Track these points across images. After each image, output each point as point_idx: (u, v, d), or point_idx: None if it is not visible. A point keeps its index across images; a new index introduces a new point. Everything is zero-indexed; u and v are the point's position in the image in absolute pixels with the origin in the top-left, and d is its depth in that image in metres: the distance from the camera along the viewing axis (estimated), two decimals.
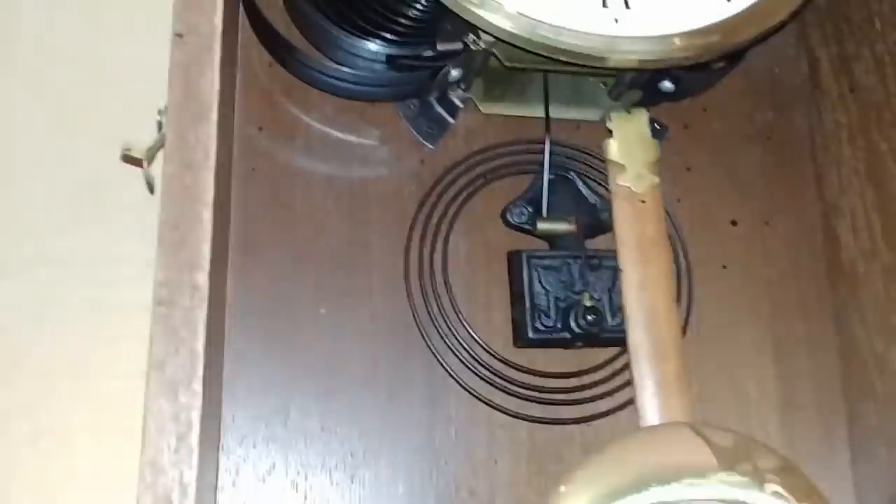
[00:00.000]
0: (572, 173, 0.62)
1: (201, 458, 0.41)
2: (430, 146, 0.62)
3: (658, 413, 0.55)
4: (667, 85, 0.61)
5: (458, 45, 0.56)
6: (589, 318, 0.57)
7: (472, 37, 0.55)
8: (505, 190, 0.62)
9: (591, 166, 0.62)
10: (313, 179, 0.60)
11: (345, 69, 0.57)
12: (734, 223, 0.65)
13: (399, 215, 0.60)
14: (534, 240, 0.60)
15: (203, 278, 0.40)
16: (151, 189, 0.49)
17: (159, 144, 0.45)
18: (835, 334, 0.63)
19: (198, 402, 0.39)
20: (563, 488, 0.49)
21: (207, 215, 0.41)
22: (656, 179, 0.59)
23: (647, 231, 0.58)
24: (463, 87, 0.61)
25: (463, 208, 0.61)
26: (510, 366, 0.58)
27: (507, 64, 0.57)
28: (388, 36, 0.58)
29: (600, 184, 0.62)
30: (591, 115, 0.63)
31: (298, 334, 0.57)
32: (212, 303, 0.41)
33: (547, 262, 0.59)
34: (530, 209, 0.61)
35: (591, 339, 0.57)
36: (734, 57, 0.62)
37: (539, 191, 0.61)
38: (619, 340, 0.58)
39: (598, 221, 0.61)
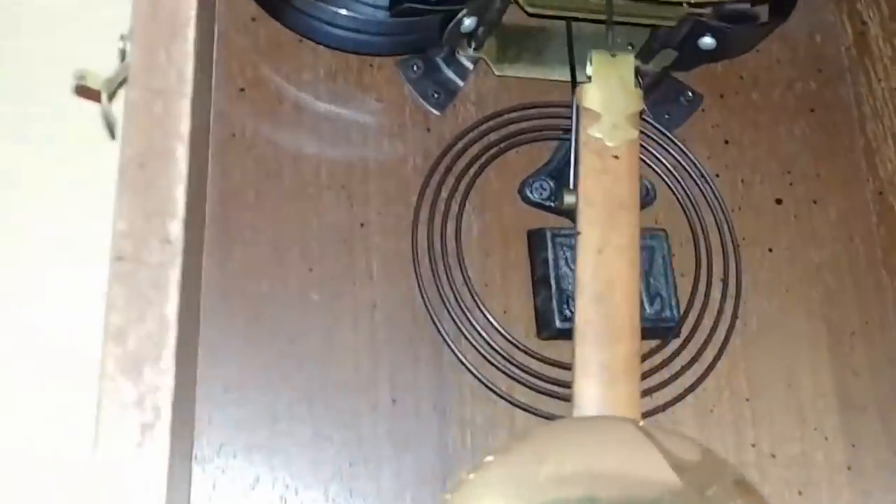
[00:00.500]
0: None
1: (170, 465, 0.33)
2: (437, 112, 0.55)
3: (597, 402, 0.46)
4: (707, 41, 0.54)
5: None
6: None
7: None
8: (522, 161, 0.55)
9: None
10: (303, 149, 0.53)
11: (342, 12, 0.49)
12: (779, 202, 0.58)
13: (402, 190, 0.53)
14: (554, 217, 0.53)
15: (177, 227, 0.32)
16: (112, 131, 0.41)
17: (122, 76, 0.37)
18: None
19: (169, 381, 0.30)
20: (470, 476, 0.41)
21: (182, 151, 0.33)
22: (635, 134, 0.51)
23: (616, 191, 0.50)
24: (474, 44, 0.54)
25: (475, 182, 0.53)
26: (535, 357, 0.50)
27: (529, 10, 0.51)
28: None
29: None
30: None
31: (286, 324, 0.49)
32: (187, 262, 0.33)
33: (574, 240, 0.51)
34: (552, 183, 0.54)
35: None
36: (782, 8, 0.55)
37: (560, 162, 0.54)
38: (659, 331, 0.52)
39: None
